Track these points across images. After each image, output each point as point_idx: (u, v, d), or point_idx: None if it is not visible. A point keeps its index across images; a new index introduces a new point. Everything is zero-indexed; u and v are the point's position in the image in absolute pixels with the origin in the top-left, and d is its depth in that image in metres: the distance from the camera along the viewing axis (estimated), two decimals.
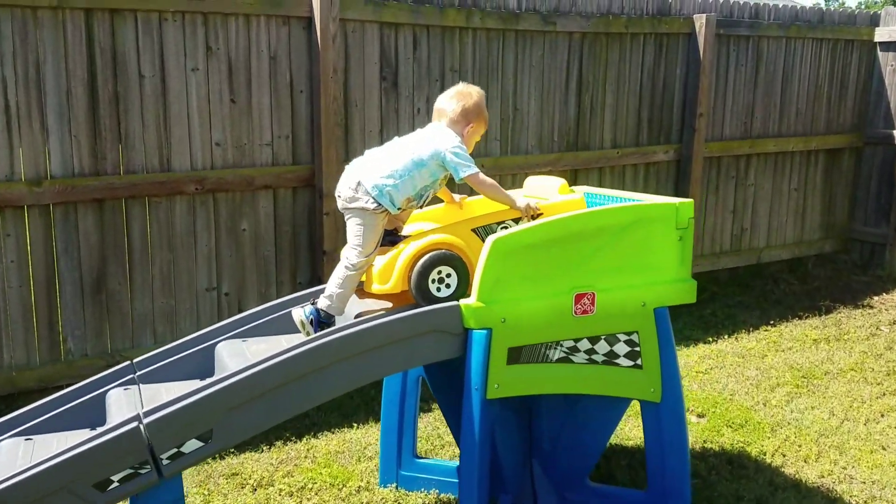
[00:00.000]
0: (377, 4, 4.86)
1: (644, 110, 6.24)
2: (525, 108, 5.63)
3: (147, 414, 2.53)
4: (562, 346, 3.02)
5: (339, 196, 3.10)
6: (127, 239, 4.38)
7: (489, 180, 3.12)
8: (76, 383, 3.03)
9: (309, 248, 4.90)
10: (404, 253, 2.96)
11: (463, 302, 2.88)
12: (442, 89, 5.22)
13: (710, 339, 5.69)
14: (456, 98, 3.22)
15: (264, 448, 4.05)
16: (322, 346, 2.69)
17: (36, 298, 4.19)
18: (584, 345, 3.05)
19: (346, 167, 3.15)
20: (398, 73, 5.04)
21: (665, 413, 3.18)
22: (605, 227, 3.04)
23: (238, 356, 2.94)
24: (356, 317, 2.97)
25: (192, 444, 2.56)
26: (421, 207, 3.22)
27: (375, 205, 2.99)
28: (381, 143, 4.95)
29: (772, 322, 6.09)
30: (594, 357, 3.07)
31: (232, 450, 3.99)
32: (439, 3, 5.10)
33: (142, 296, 4.46)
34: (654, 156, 6.32)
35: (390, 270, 2.97)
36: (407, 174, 3.03)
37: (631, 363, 3.13)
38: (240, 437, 2.66)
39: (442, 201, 3.45)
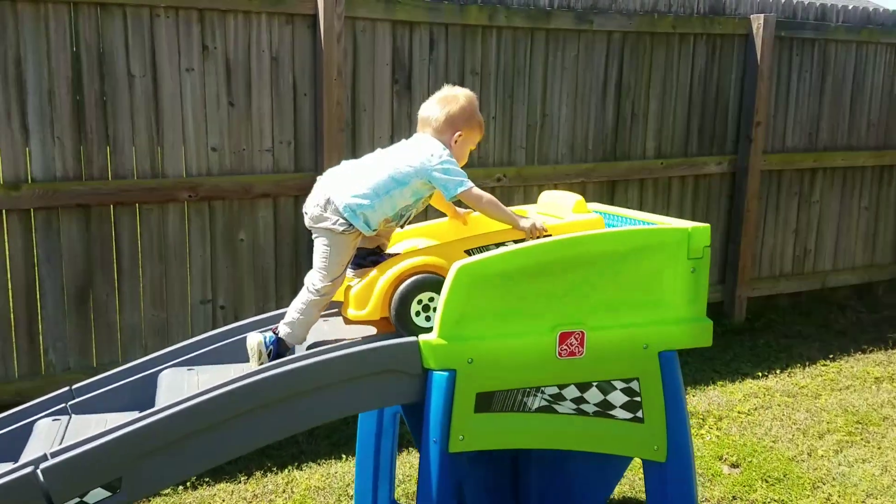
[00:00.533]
0: (389, 2, 4.50)
1: (694, 118, 5.70)
2: (555, 114, 5.18)
3: (53, 455, 2.22)
4: (543, 392, 2.58)
5: (306, 213, 2.74)
6: (115, 248, 4.13)
7: (486, 195, 2.70)
8: None
9: (311, 260, 4.55)
10: (384, 276, 2.57)
11: (423, 338, 2.48)
12: None
13: (760, 374, 5.12)
14: (439, 104, 2.79)
15: (242, 478, 3.73)
16: (250, 387, 2.33)
17: (15, 307, 3.98)
18: (572, 392, 2.61)
19: (318, 179, 2.79)
20: (412, 75, 4.67)
21: (671, 475, 2.71)
22: (599, 254, 2.59)
23: (174, 389, 2.61)
24: (309, 347, 2.61)
25: (96, 494, 2.23)
26: (402, 227, 2.82)
27: (345, 226, 2.62)
28: None
29: (831, 356, 5.47)
30: (584, 407, 2.62)
31: (206, 478, 3.68)
32: (459, 0, 4.72)
33: (131, 308, 4.20)
34: (704, 167, 5.78)
35: (367, 294, 2.58)
36: (385, 193, 2.64)
37: (629, 415, 2.67)
38: (156, 486, 2.34)
39: (444, 215, 3.06)
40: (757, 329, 5.94)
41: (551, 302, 2.56)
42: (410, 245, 2.92)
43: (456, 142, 2.77)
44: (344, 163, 2.82)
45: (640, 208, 5.60)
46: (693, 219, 5.85)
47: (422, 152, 2.70)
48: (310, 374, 2.38)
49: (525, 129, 5.09)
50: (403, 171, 2.66)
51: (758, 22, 5.62)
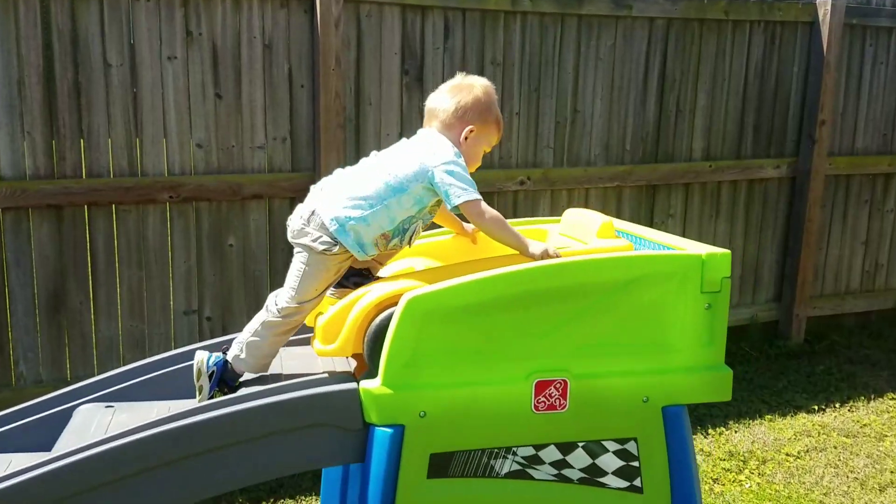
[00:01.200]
0: None
1: (749, 115, 5.08)
2: (588, 110, 4.65)
3: None
4: (515, 454, 2.10)
5: (288, 226, 2.33)
6: (89, 252, 3.80)
7: (492, 211, 2.22)
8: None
9: None
10: (359, 304, 2.12)
11: (364, 385, 2.02)
12: None
13: (816, 408, 4.50)
14: (450, 93, 2.35)
15: None
16: (143, 442, 1.92)
17: None
18: (551, 454, 2.12)
19: (311, 188, 2.37)
20: (424, 65, 4.21)
21: None
22: (588, 285, 2.09)
23: (79, 432, 2.22)
24: (260, 381, 2.19)
25: None
26: (410, 245, 2.34)
27: (329, 244, 2.19)
28: None
29: None
30: (567, 473, 2.13)
31: None
32: None
33: (107, 318, 3.87)
34: (759, 171, 5.16)
35: (337, 326, 2.13)
36: (380, 203, 2.20)
37: (624, 484, 2.17)
38: None
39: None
40: (816, 353, 5.29)
41: (527, 342, 2.07)
42: (405, 266, 2.47)
43: (466, 139, 2.31)
44: (337, 171, 2.38)
45: (685, 216, 5.03)
46: (746, 229, 5.29)
47: (424, 150, 2.25)
48: (226, 426, 1.96)
49: (553, 127, 4.58)
50: (402, 175, 2.22)
51: (825, 8, 4.96)
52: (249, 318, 3.94)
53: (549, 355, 2.08)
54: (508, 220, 2.31)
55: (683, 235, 5.03)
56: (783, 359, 5.16)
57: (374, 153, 2.41)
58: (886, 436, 4.19)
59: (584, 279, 2.08)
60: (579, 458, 2.13)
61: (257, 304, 4.05)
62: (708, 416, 4.35)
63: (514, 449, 2.10)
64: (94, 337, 3.86)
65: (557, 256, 2.15)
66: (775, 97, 5.12)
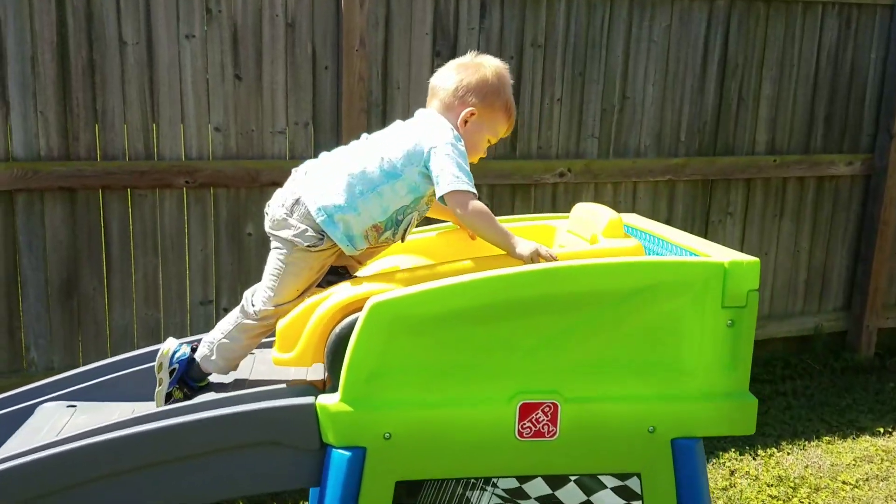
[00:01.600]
0: None
1: (820, 105, 4.64)
2: (638, 97, 4.30)
3: None
4: (496, 486, 1.84)
5: (266, 214, 2.11)
6: (104, 237, 3.68)
7: (481, 207, 1.96)
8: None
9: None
10: (320, 308, 1.90)
11: (322, 400, 1.79)
12: (519, 69, 4.11)
13: (882, 430, 4.07)
14: (455, 71, 2.11)
15: None
16: (74, 453, 1.72)
17: None
18: (538, 488, 1.85)
19: (293, 171, 2.15)
20: (457, 46, 3.94)
21: None
22: (585, 295, 1.80)
23: (30, 433, 2.06)
24: (219, 389, 1.99)
25: None
26: (402, 240, 2.11)
27: (315, 239, 1.97)
28: None
29: None
30: None
31: None
32: None
33: (121, 305, 3.75)
34: (830, 167, 4.71)
35: (297, 332, 1.91)
36: (371, 190, 1.97)
37: None
38: None
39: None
40: (888, 369, 4.82)
41: (511, 358, 1.80)
42: (390, 265, 2.23)
43: (466, 122, 2.06)
44: (323, 154, 2.16)
45: (745, 215, 4.63)
46: (814, 230, 4.84)
47: (420, 131, 2.01)
48: (161, 440, 1.75)
49: (599, 115, 4.25)
50: (395, 159, 1.99)
51: None
52: None
53: (537, 374, 1.80)
54: (533, 215, 2.05)
55: (743, 236, 4.64)
56: (849, 374, 4.72)
57: (364, 135, 2.18)
58: None
59: (580, 287, 1.79)
60: (571, 495, 1.85)
61: None
62: (759, 434, 3.97)
63: (495, 480, 1.83)
64: (108, 324, 3.75)
65: (551, 259, 1.86)
66: (850, 86, 4.65)
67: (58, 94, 3.50)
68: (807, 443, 3.91)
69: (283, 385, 1.92)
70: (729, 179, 4.56)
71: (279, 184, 3.76)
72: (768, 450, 3.83)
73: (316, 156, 3.89)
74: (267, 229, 2.09)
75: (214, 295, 3.85)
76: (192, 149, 3.70)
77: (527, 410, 1.80)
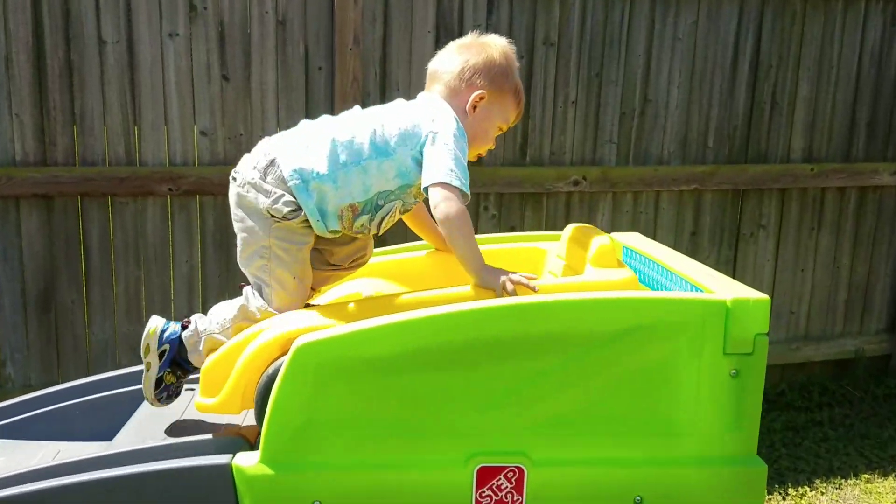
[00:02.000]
0: None
1: (862, 109, 4.26)
2: (662, 100, 3.97)
3: None
4: None
5: (233, 178, 1.86)
6: (83, 247, 3.47)
7: (463, 213, 1.70)
8: None
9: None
10: (250, 346, 1.64)
11: (238, 461, 1.52)
12: (530, 69, 3.81)
13: None
14: (458, 52, 1.91)
15: None
16: None
17: None
18: None
19: (265, 139, 1.91)
20: None
21: None
22: (558, 337, 1.50)
23: None
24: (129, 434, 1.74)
25: None
26: (378, 233, 1.86)
27: (292, 207, 1.72)
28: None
29: None
30: None
31: None
32: None
33: (102, 318, 3.54)
34: (873, 177, 4.32)
35: (223, 373, 1.65)
36: (356, 163, 1.74)
37: None
38: None
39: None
40: None
41: (468, 413, 1.52)
42: (354, 290, 1.96)
43: (475, 108, 1.84)
44: (303, 122, 1.91)
45: (780, 227, 4.26)
46: (855, 245, 4.45)
47: (422, 113, 1.79)
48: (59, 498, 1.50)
49: (618, 119, 3.93)
50: (389, 135, 1.76)
51: None
52: None
53: (499, 432, 1.52)
54: (521, 234, 1.91)
55: (777, 251, 4.27)
56: (892, 402, 4.32)
57: (356, 107, 1.94)
58: None
59: (554, 327, 1.50)
60: None
61: None
62: (790, 470, 3.62)
63: None
64: (88, 339, 3.55)
65: (526, 288, 1.57)
66: (895, 89, 4.26)
67: (33, 95, 3.30)
68: (843, 481, 3.55)
69: (209, 436, 1.65)
70: (762, 189, 4.20)
71: None
72: (800, 489, 3.48)
73: None
74: (234, 205, 1.84)
75: (201, 308, 3.62)
76: (175, 154, 3.48)
77: (486, 476, 1.51)
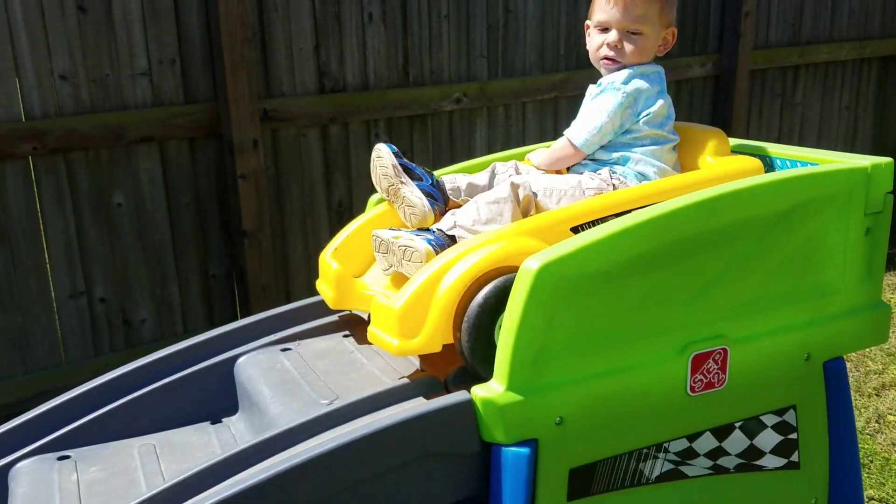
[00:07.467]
0: None
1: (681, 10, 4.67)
2: (520, 10, 4.05)
3: None
4: (667, 451, 1.57)
5: None
6: None
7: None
8: None
9: (221, 226, 3.35)
10: (447, 278, 1.44)
11: (479, 392, 1.40)
12: None
13: None
14: None
15: None
16: None
17: None
18: (707, 443, 1.61)
19: None
20: None
21: None
22: (745, 222, 1.56)
23: None
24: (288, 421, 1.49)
25: None
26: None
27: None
28: (318, 65, 3.40)
29: None
30: (723, 462, 1.64)
31: None
32: None
33: None
34: (687, 70, 4.80)
35: (420, 311, 1.45)
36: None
37: (782, 462, 1.71)
38: None
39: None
40: None
41: (677, 308, 1.53)
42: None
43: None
44: None
45: None
46: None
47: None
48: (282, 483, 1.27)
49: (485, 32, 3.94)
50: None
51: None
52: (154, 295, 3.22)
53: (704, 321, 1.55)
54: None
55: None
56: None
57: None
58: None
59: (742, 215, 1.55)
60: (736, 442, 1.64)
61: (163, 277, 3.27)
62: None
63: (666, 445, 1.56)
64: None
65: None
66: None
67: None
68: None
69: (400, 383, 1.48)
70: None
71: (150, 139, 3.14)
72: None
73: (189, 100, 3.28)
74: None
75: (85, 285, 3.12)
76: (33, 105, 2.91)
77: (698, 362, 1.54)
